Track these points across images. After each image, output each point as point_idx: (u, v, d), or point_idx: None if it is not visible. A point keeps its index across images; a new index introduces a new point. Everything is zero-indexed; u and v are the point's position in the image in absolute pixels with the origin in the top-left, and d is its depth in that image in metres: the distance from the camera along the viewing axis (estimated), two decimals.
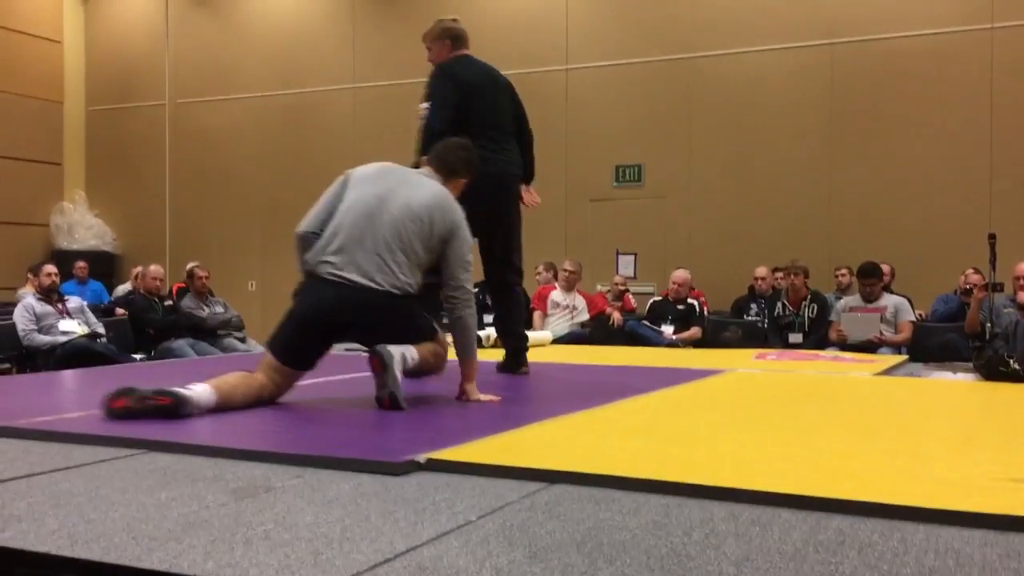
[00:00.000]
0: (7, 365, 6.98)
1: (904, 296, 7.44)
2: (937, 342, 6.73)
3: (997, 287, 6.19)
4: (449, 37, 4.47)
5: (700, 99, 10.06)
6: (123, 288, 10.87)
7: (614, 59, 10.38)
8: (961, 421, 3.22)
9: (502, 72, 4.62)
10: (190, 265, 8.58)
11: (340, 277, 3.32)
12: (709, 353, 6.54)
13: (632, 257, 10.05)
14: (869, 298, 7.18)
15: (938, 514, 1.81)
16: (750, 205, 9.80)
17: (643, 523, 1.79)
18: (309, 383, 4.02)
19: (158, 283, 8.28)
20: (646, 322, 8.03)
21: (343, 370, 4.29)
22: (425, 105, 4.26)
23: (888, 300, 7.21)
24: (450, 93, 4.24)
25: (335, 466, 2.27)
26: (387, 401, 3.17)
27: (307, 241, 3.47)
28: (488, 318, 6.16)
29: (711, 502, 1.95)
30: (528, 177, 4.57)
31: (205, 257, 10.19)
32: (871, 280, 7.18)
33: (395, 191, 3.43)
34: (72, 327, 7.05)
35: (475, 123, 4.19)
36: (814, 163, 9.60)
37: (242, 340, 8.05)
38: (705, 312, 8.41)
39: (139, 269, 10.84)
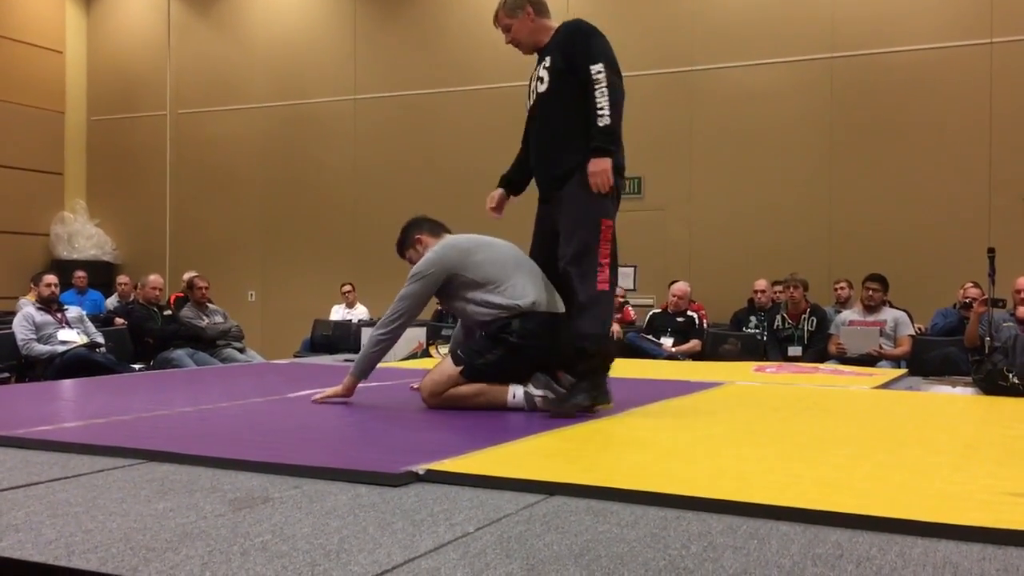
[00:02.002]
0: (6, 374, 6.97)
1: (903, 310, 7.45)
2: (936, 356, 6.73)
3: (999, 303, 6.18)
4: (531, 3, 3.79)
5: (700, 112, 10.09)
6: (112, 301, 10.82)
7: None
8: (960, 435, 3.21)
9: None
10: (189, 275, 8.56)
11: None
12: (708, 366, 6.54)
13: (632, 269, 10.06)
14: (870, 303, 7.19)
15: (936, 528, 1.81)
16: (750, 218, 9.81)
17: (641, 535, 1.79)
18: (306, 393, 4.02)
19: (157, 293, 8.27)
20: (647, 335, 8.03)
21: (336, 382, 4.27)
22: (597, 67, 3.47)
23: (888, 314, 7.21)
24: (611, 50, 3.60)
25: (333, 477, 2.27)
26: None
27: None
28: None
29: (709, 515, 1.95)
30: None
31: (205, 267, 10.20)
32: (875, 284, 7.19)
33: None
34: (71, 337, 7.05)
35: None
36: (814, 176, 9.62)
37: (241, 350, 8.04)
38: (704, 325, 8.41)
39: (125, 279, 10.82)
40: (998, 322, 6.28)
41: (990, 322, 6.13)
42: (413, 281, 3.71)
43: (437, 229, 3.97)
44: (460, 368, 3.60)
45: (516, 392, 3.56)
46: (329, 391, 3.77)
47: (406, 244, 3.98)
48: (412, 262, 3.87)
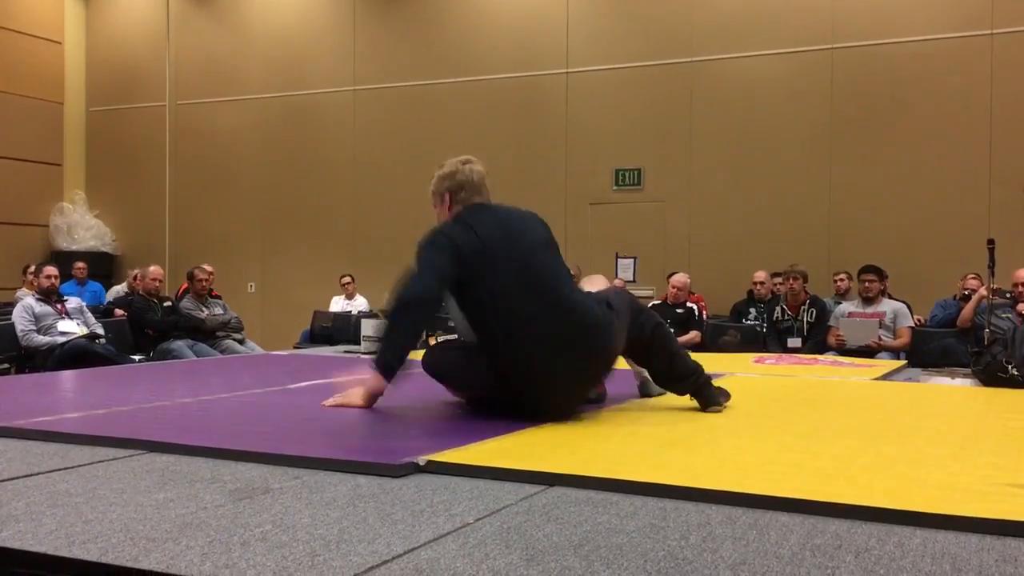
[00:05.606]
0: (6, 365, 6.98)
1: (903, 301, 7.45)
2: (936, 347, 6.74)
3: (1006, 294, 6.19)
4: (447, 189, 3.45)
5: (700, 103, 10.08)
6: (118, 289, 10.84)
7: (614, 62, 10.39)
8: (959, 426, 3.22)
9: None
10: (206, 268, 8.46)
11: None
12: (708, 357, 6.51)
13: (631, 261, 10.06)
14: (867, 294, 7.19)
15: (935, 519, 1.81)
16: (749, 209, 9.81)
17: (640, 526, 1.79)
18: (306, 384, 4.02)
19: (157, 284, 8.27)
20: None
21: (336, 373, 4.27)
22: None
23: (887, 305, 7.21)
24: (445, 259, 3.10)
25: (333, 468, 2.27)
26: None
27: None
28: None
29: (708, 505, 1.95)
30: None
31: (204, 259, 10.18)
32: (870, 276, 7.19)
33: None
34: (71, 328, 7.05)
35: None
36: (813, 167, 9.61)
37: (241, 342, 8.04)
38: (704, 316, 8.41)
39: (137, 271, 10.83)
40: (996, 312, 6.29)
41: (989, 308, 6.14)
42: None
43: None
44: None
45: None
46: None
47: None
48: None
